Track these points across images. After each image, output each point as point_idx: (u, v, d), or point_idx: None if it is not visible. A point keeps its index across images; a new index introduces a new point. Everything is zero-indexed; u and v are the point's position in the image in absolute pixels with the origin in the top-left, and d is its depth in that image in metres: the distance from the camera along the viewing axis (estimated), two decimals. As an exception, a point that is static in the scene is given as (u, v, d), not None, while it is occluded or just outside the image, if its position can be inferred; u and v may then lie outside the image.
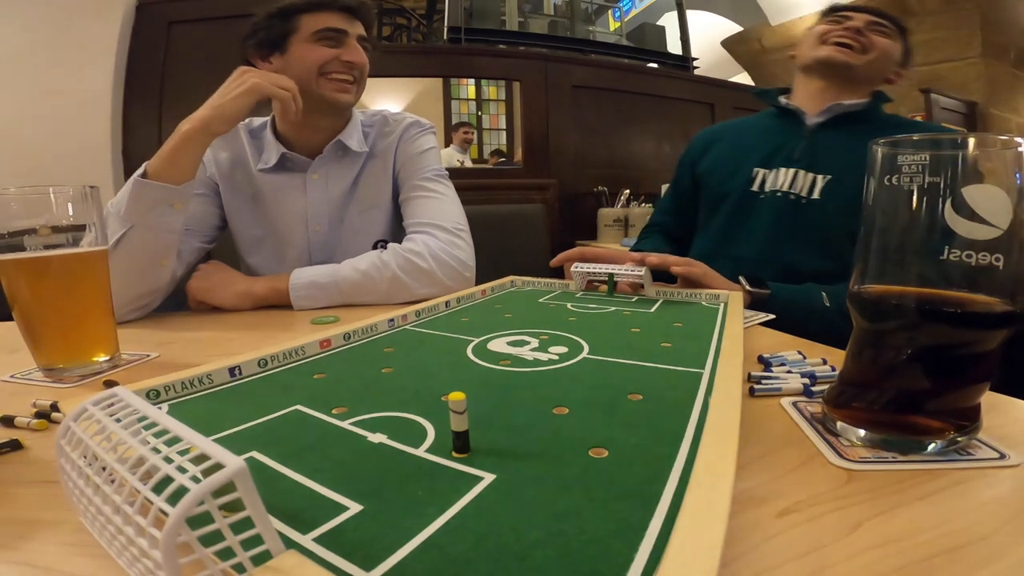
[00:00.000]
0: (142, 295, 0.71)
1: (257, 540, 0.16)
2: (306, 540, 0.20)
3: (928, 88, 3.34)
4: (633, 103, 2.42)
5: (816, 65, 0.90)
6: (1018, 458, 0.28)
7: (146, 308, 0.72)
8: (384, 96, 3.13)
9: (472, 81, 3.47)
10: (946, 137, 0.28)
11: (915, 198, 0.28)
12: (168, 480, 0.16)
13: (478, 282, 0.77)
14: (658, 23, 3.02)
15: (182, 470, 0.16)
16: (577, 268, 0.70)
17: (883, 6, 1.02)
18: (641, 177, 2.41)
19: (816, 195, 0.85)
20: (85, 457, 0.19)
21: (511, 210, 1.57)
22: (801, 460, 0.29)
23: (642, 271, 0.65)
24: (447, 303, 0.61)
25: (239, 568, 0.16)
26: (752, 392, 0.38)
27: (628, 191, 2.24)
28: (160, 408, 0.30)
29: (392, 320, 0.52)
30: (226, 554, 0.16)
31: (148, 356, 0.53)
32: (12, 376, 0.47)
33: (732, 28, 4.70)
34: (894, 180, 0.29)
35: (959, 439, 0.29)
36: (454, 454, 0.26)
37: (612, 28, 3.05)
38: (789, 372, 0.42)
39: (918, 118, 2.68)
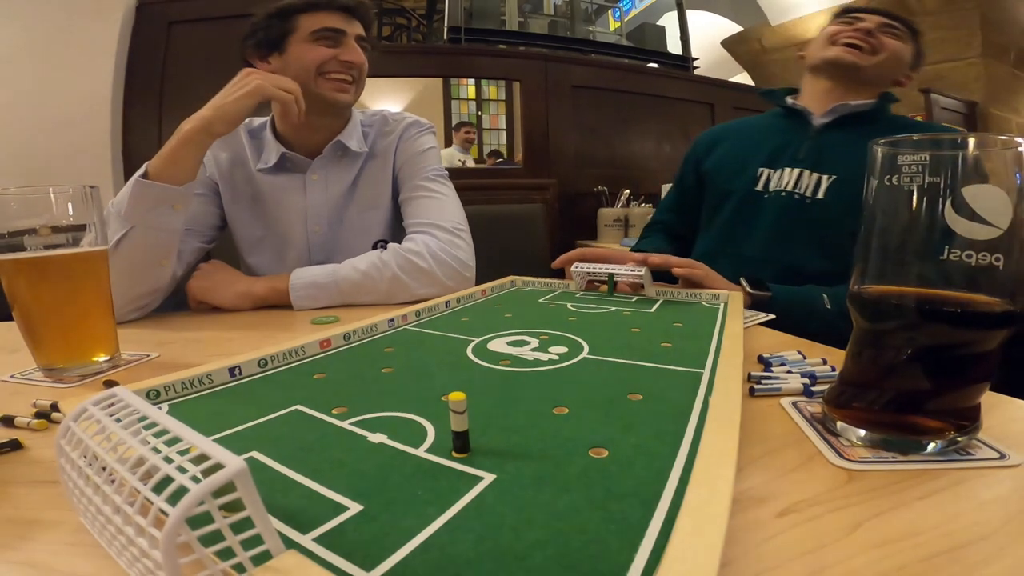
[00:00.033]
0: (142, 295, 0.71)
1: (257, 540, 0.16)
2: (306, 540, 0.20)
3: (928, 88, 3.34)
4: (633, 103, 2.42)
5: (824, 65, 0.90)
6: (1018, 458, 0.28)
7: (146, 308, 0.72)
8: (384, 96, 3.13)
9: (472, 81, 3.48)
10: (946, 137, 0.28)
11: (915, 198, 0.28)
12: (168, 480, 0.16)
13: (478, 282, 0.77)
14: (658, 23, 3.02)
15: (182, 470, 0.16)
16: (577, 268, 0.70)
17: (883, 6, 1.02)
18: (641, 177, 2.41)
19: (821, 195, 0.85)
20: (85, 457, 0.19)
21: (511, 210, 1.57)
22: (801, 460, 0.29)
23: (642, 271, 0.65)
24: (447, 303, 0.61)
25: (239, 568, 0.16)
26: (752, 392, 0.38)
27: (628, 191, 2.24)
28: (160, 408, 0.30)
29: (392, 320, 0.52)
30: (226, 554, 0.16)
31: (148, 356, 0.53)
32: (12, 376, 0.47)
33: (732, 28, 4.70)
34: (894, 180, 0.29)
35: (959, 439, 0.29)
36: (454, 454, 0.26)
37: (612, 28, 3.05)
38: (789, 372, 0.42)
39: (918, 118, 2.68)
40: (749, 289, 0.71)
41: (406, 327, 0.53)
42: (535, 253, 1.52)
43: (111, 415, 0.20)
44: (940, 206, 0.27)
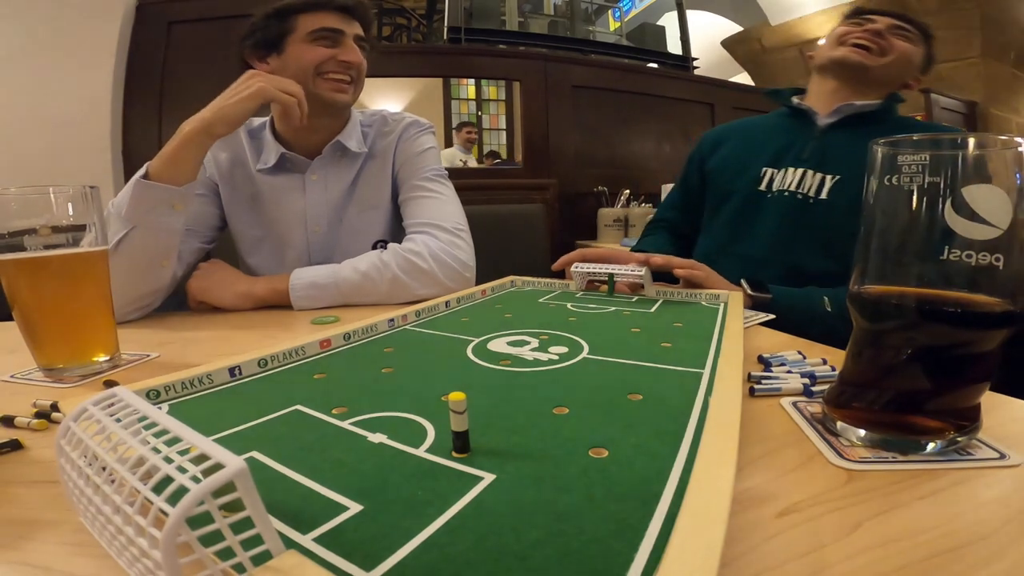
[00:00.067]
0: (143, 295, 0.71)
1: (257, 540, 0.16)
2: (306, 540, 0.20)
3: (928, 88, 3.34)
4: (633, 103, 2.42)
5: (831, 65, 0.90)
6: (1018, 458, 0.28)
7: (146, 308, 0.72)
8: (384, 96, 3.14)
9: (472, 81, 3.48)
10: (946, 137, 0.28)
11: (915, 198, 0.28)
12: (168, 480, 0.16)
13: (478, 282, 0.77)
14: (658, 23, 3.03)
15: (182, 470, 0.16)
16: (577, 268, 0.70)
17: (883, 6, 1.02)
18: (641, 177, 2.41)
19: (824, 195, 0.84)
20: (85, 457, 0.19)
21: (511, 210, 1.57)
22: (801, 460, 0.29)
23: (642, 271, 0.65)
24: (447, 303, 0.61)
25: (239, 568, 0.16)
26: (752, 392, 0.38)
27: (628, 191, 2.24)
28: (160, 408, 0.30)
29: (392, 320, 0.52)
30: (226, 554, 0.16)
31: (148, 356, 0.53)
32: (12, 376, 0.47)
33: (732, 28, 4.70)
34: (894, 180, 0.29)
35: (959, 439, 0.29)
36: (454, 454, 0.26)
37: (612, 28, 3.05)
38: (789, 372, 0.42)
39: (919, 118, 2.68)
40: (749, 291, 0.71)
41: (406, 327, 0.53)
42: (535, 253, 1.52)
43: (111, 415, 0.20)
44: (940, 206, 0.27)
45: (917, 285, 0.29)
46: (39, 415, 0.36)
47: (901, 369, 0.30)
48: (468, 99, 3.56)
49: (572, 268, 0.72)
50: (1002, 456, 0.28)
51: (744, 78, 4.64)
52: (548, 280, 0.76)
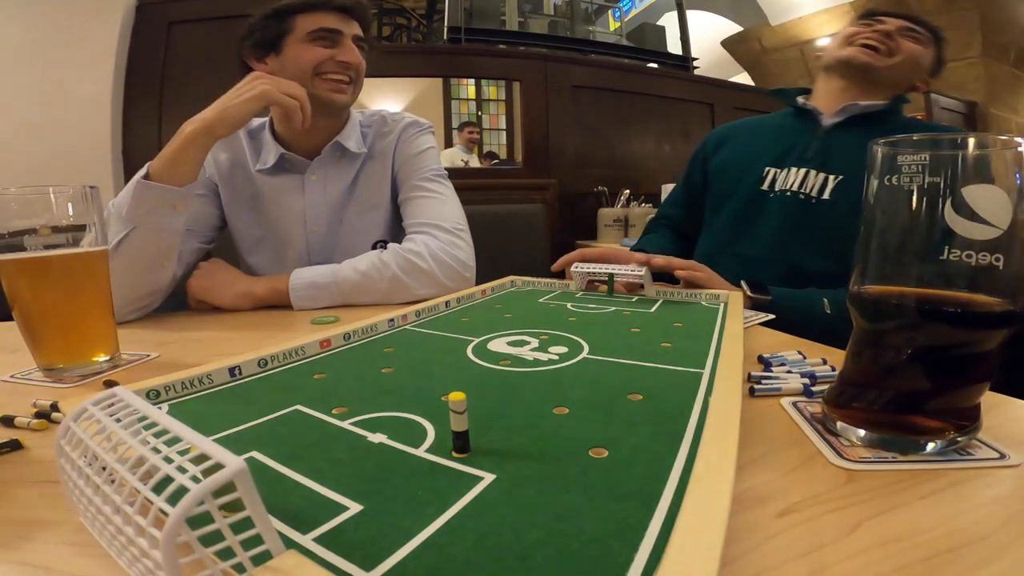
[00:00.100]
0: (143, 296, 0.71)
1: (257, 540, 0.16)
2: (306, 540, 0.20)
3: (928, 88, 3.34)
4: (633, 103, 2.42)
5: (837, 65, 0.90)
6: (1018, 458, 0.28)
7: (146, 308, 0.72)
8: (384, 96, 3.13)
9: (472, 81, 3.48)
10: (946, 137, 0.28)
11: (915, 198, 0.28)
12: (168, 480, 0.16)
13: (478, 282, 0.77)
14: (658, 23, 3.02)
15: (182, 470, 0.16)
16: (577, 268, 0.70)
17: (883, 6, 1.02)
18: (641, 177, 2.41)
19: (827, 195, 0.84)
20: (85, 457, 0.19)
21: (511, 210, 1.57)
22: (801, 460, 0.29)
23: (642, 271, 0.65)
24: (447, 303, 0.61)
25: (239, 568, 0.16)
26: (752, 392, 0.38)
27: (628, 191, 2.24)
28: (160, 408, 0.30)
29: (392, 320, 0.52)
30: (226, 554, 0.16)
31: (148, 356, 0.53)
32: (12, 376, 0.47)
33: (732, 28, 4.70)
34: (894, 180, 0.29)
35: (959, 439, 0.29)
36: (454, 454, 0.26)
37: (612, 28, 3.05)
38: (789, 372, 0.42)
39: (919, 118, 2.68)
40: (749, 292, 0.71)
41: (406, 327, 0.53)
42: (535, 253, 1.52)
43: (111, 415, 0.20)
44: (940, 206, 0.27)
45: (917, 285, 0.29)
46: (39, 415, 0.36)
47: (901, 369, 0.30)
48: (468, 99, 3.56)
49: (572, 268, 0.72)
50: (1002, 456, 0.28)
51: (744, 78, 4.64)
52: (548, 280, 0.76)
